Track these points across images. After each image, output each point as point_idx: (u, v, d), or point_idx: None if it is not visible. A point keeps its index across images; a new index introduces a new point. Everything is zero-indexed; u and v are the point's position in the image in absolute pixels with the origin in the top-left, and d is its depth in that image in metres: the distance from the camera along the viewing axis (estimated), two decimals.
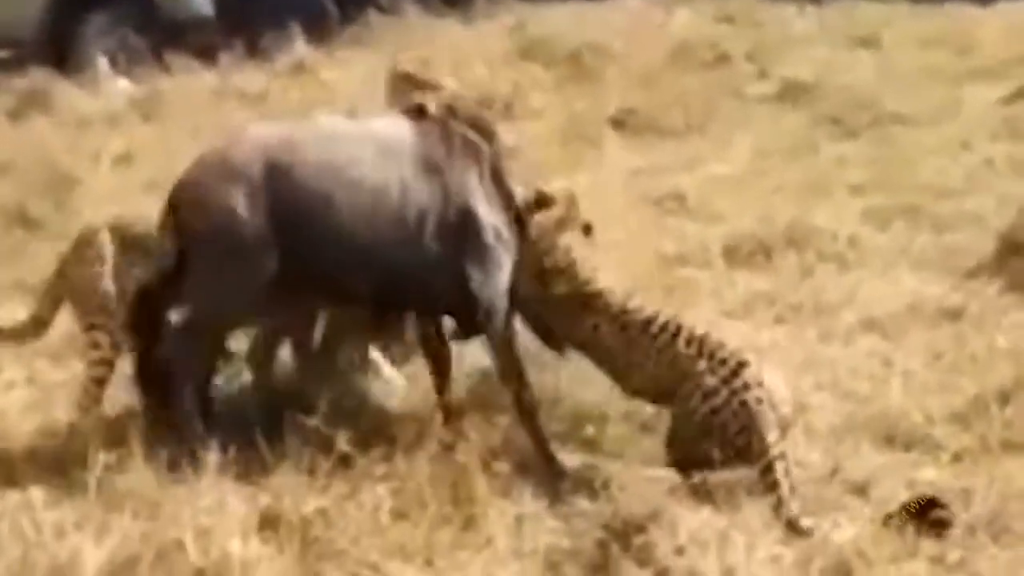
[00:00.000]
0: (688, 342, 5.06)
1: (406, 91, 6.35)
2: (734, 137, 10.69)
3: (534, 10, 17.03)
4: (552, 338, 5.46)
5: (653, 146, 10.64)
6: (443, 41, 14.76)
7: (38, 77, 12.93)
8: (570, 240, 5.47)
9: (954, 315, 6.80)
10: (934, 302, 6.97)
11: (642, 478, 4.90)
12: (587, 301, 5.27)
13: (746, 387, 4.95)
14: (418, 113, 5.61)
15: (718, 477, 4.97)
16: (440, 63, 13.27)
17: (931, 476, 5.17)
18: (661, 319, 5.14)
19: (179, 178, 5.48)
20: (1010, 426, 5.38)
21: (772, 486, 4.85)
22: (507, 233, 5.47)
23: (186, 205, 5.40)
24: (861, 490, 5.07)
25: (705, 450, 4.95)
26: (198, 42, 14.80)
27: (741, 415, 4.93)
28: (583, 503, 4.95)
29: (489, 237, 5.43)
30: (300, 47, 14.54)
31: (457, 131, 5.55)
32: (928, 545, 4.63)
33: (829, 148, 10.32)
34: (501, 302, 5.40)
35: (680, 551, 4.50)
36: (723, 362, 4.99)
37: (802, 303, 6.94)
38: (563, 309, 5.31)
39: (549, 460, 5.25)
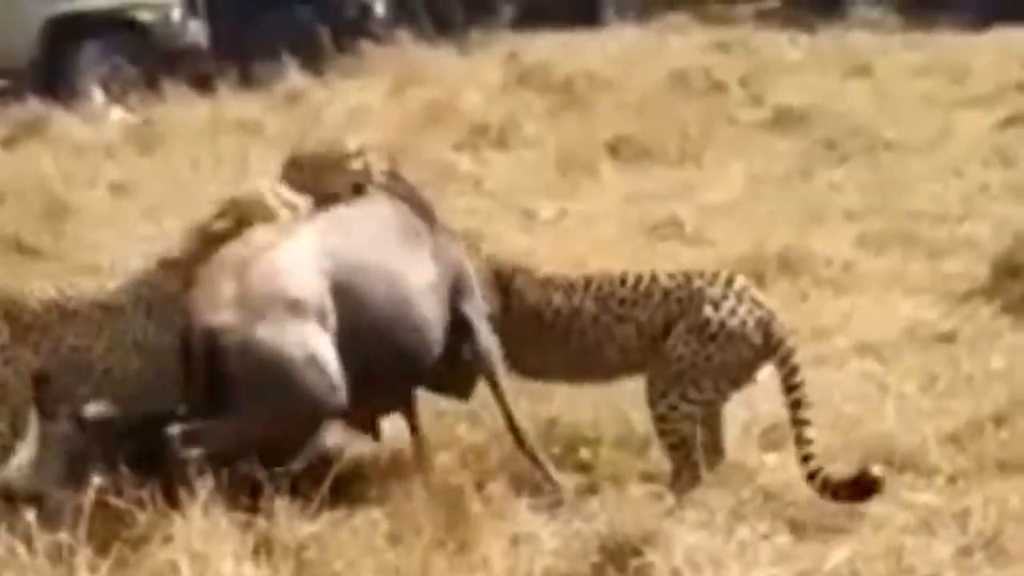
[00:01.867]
0: (671, 275, 5.25)
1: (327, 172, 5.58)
2: (728, 163, 10.74)
3: (528, 39, 17.19)
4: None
5: (648, 173, 10.69)
6: (438, 70, 14.84)
7: (34, 106, 12.97)
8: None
9: (948, 339, 6.83)
10: (929, 326, 7.01)
11: (638, 500, 4.89)
12: (548, 282, 5.37)
13: (748, 288, 5.19)
14: (356, 191, 5.42)
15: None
16: (435, 92, 13.40)
17: (926, 498, 5.16)
18: (630, 272, 5.31)
19: (216, 318, 4.82)
20: (1005, 447, 5.38)
21: (794, 388, 5.06)
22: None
23: (250, 360, 4.80)
24: (857, 512, 5.05)
25: (697, 382, 5.09)
26: (192, 71, 14.88)
27: (756, 310, 5.12)
28: (579, 525, 4.93)
29: (475, 284, 5.41)
30: (294, 76, 14.60)
31: (409, 191, 5.47)
32: (924, 565, 4.63)
33: (823, 174, 10.38)
34: (495, 340, 5.37)
35: (676, 573, 4.50)
36: (715, 275, 5.21)
37: (797, 327, 6.89)
38: (526, 306, 5.36)
39: (551, 482, 5.23)
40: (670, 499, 4.96)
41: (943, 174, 10.15)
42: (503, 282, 5.43)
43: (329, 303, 4.91)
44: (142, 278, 5.36)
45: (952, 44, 15.84)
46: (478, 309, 5.36)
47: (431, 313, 5.16)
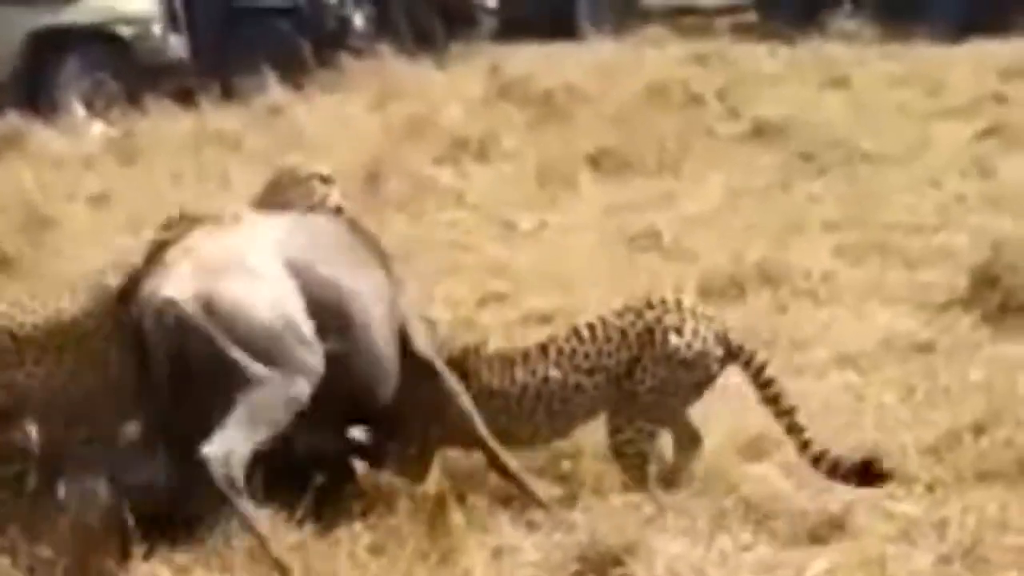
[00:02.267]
0: (619, 314, 5.27)
1: (290, 187, 5.52)
2: (707, 176, 10.78)
3: (508, 52, 17.21)
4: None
5: (627, 185, 10.71)
6: (418, 84, 14.87)
7: (13, 120, 12.95)
8: None
9: (927, 349, 6.85)
10: (907, 337, 7.03)
11: (619, 510, 4.92)
12: (505, 360, 5.32)
13: (696, 305, 5.31)
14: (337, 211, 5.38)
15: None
16: (415, 105, 13.43)
17: (906, 508, 5.19)
18: (579, 324, 5.32)
19: (173, 289, 4.66)
20: (984, 457, 5.40)
21: (768, 384, 5.15)
22: None
23: (216, 324, 4.63)
24: (837, 523, 5.08)
25: (665, 405, 5.17)
26: (173, 85, 14.89)
27: (712, 325, 5.21)
28: (560, 536, 4.95)
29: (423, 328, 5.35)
30: (275, 90, 14.61)
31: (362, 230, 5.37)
32: (904, 574, 4.67)
33: (801, 186, 10.40)
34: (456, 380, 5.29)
35: None
36: (663, 301, 5.26)
37: (776, 339, 6.96)
38: (490, 390, 5.28)
39: (530, 494, 5.23)
40: (651, 508, 4.99)
41: (920, 185, 10.19)
42: (456, 367, 5.32)
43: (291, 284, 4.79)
44: (105, 301, 5.21)
45: (929, 55, 15.90)
46: (433, 349, 5.28)
47: (384, 334, 5.05)
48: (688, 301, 5.30)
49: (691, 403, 5.28)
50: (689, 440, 5.31)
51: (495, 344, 5.59)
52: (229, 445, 4.55)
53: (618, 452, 5.22)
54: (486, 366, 5.33)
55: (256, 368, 4.65)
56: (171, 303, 4.63)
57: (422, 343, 5.24)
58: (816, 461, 5.06)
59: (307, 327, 4.78)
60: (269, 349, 4.68)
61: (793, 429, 5.12)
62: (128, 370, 4.90)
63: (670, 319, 5.17)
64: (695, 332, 5.15)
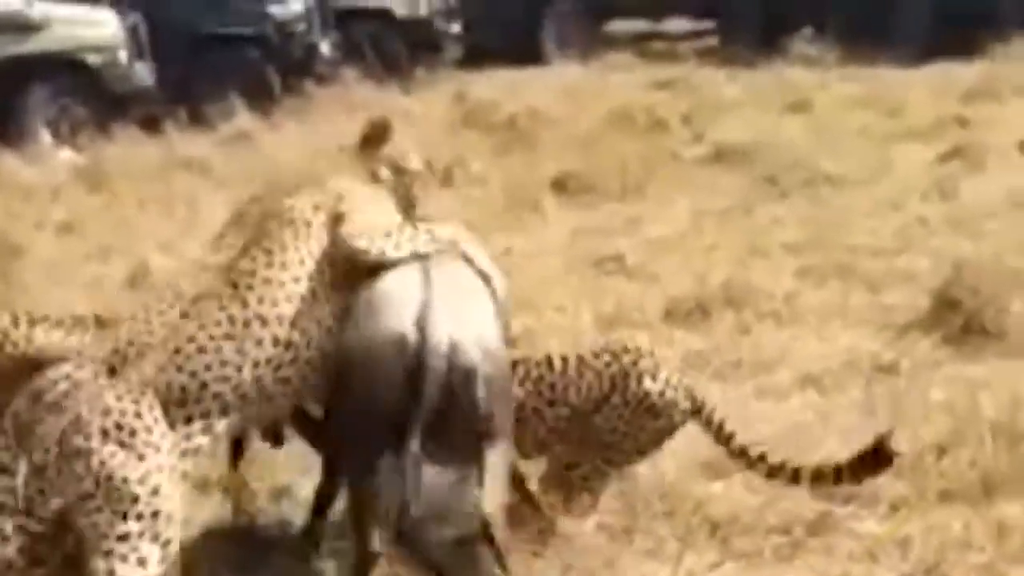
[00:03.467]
0: (596, 354, 5.20)
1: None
2: (671, 199, 10.87)
3: (473, 78, 17.30)
4: None
5: (592, 209, 10.79)
6: (383, 109, 14.89)
7: None
8: None
9: (889, 370, 6.92)
10: (869, 358, 7.09)
11: (587, 532, 4.96)
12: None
13: (661, 362, 5.22)
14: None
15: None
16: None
17: (869, 527, 5.26)
18: (554, 358, 5.24)
19: (473, 356, 4.47)
20: (946, 476, 5.47)
21: (732, 436, 5.12)
22: None
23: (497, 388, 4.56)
24: (801, 541, 5.14)
25: (624, 450, 5.13)
26: (140, 113, 14.92)
27: (682, 377, 5.19)
28: (531, 559, 4.96)
29: None
30: (242, 116, 14.66)
31: None
32: None
33: (764, 209, 10.49)
34: None
35: None
36: (638, 348, 5.20)
37: (740, 360, 7.04)
38: None
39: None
40: (619, 530, 5.03)
41: (882, 208, 10.29)
42: None
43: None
44: None
45: (890, 78, 16.06)
46: None
47: None
48: (657, 352, 5.25)
49: (649, 453, 5.23)
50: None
51: None
52: (496, 502, 4.53)
53: (568, 485, 5.16)
54: None
55: (502, 425, 4.59)
56: (464, 349, 4.49)
57: None
58: (817, 478, 5.02)
59: None
60: (506, 410, 4.65)
61: (773, 470, 5.08)
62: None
63: (645, 363, 5.14)
64: (668, 380, 5.13)
